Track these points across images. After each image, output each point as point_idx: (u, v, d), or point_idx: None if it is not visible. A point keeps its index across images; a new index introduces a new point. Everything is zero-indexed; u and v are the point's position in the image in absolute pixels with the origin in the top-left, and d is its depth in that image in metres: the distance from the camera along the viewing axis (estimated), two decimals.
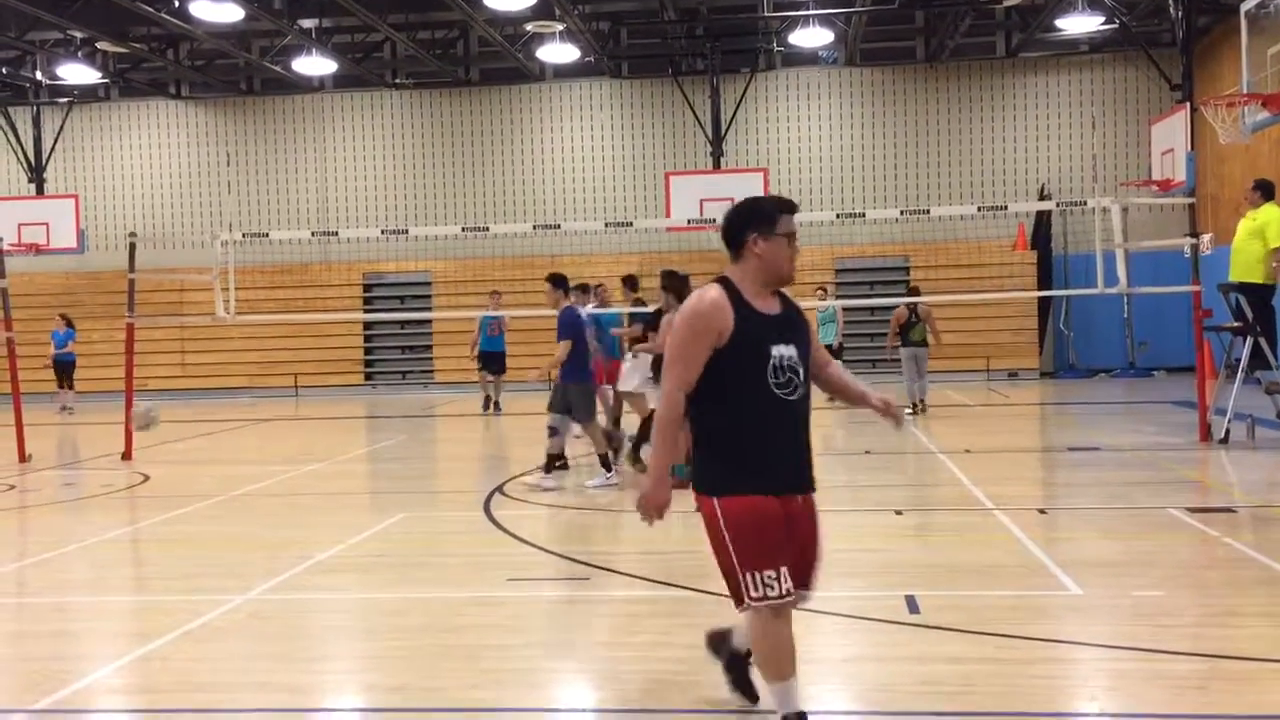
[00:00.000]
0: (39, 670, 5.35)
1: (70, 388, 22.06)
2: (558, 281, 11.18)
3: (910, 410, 16.68)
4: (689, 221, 18.15)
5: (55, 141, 27.31)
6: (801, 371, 3.91)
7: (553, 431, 10.70)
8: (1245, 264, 12.53)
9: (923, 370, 17.16)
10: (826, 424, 16.74)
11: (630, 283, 14.50)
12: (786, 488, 3.93)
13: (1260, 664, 4.98)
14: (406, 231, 18.99)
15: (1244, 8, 13.28)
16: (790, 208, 4.00)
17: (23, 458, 13.71)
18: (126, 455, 13.70)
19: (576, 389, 10.75)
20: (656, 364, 12.46)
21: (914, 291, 18.49)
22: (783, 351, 3.87)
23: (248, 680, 5.17)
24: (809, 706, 4.14)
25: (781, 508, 3.90)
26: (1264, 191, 12.87)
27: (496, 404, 19.40)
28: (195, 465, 13.71)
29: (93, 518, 9.79)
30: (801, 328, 4.00)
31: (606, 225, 16.76)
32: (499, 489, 10.54)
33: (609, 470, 10.63)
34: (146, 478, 12.15)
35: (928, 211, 17.59)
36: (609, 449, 10.93)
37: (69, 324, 22.68)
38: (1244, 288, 12.55)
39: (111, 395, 19.52)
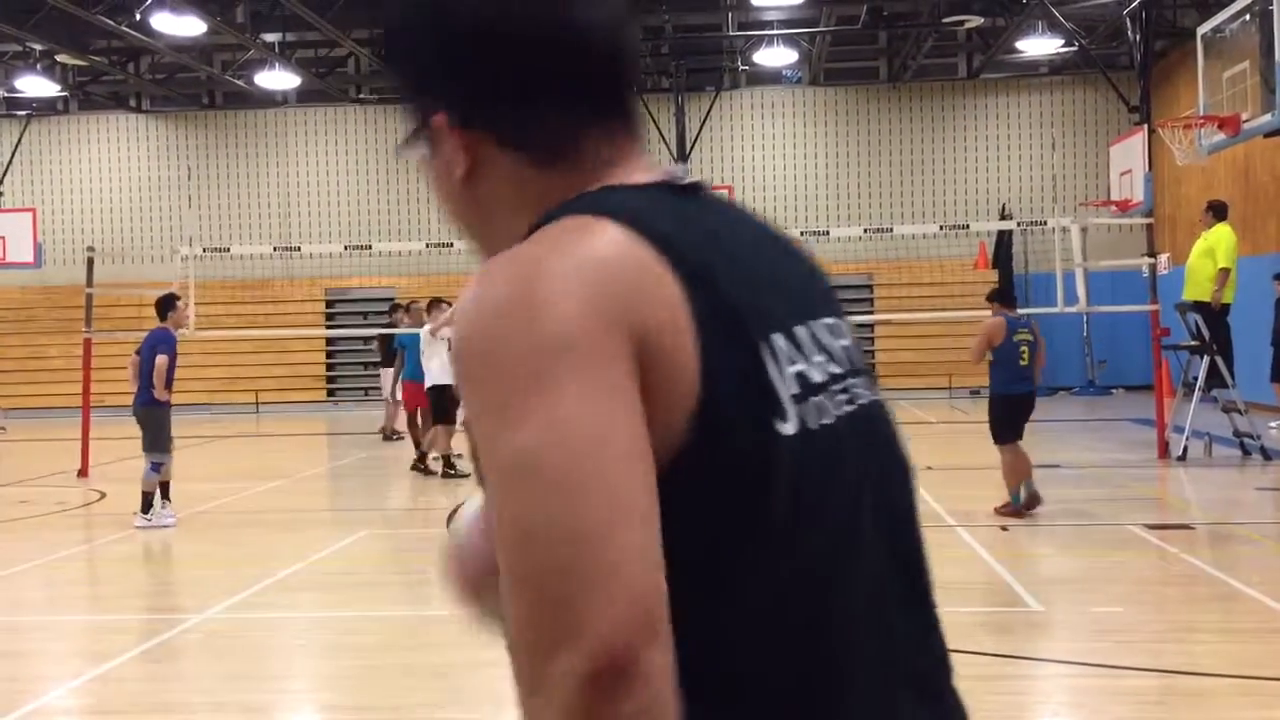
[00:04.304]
0: None
1: None
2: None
3: None
4: None
5: (13, 155, 26.96)
6: None
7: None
8: (1198, 283, 12.78)
9: None
10: None
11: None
12: None
13: (1217, 679, 5.02)
14: (370, 247, 18.88)
15: (1200, 31, 13.50)
16: None
17: None
18: (82, 472, 13.51)
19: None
20: None
21: None
22: None
23: (205, 700, 5.10)
24: None
25: None
26: (1216, 212, 13.13)
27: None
28: None
29: (47, 536, 9.63)
30: None
31: None
32: (462, 505, 10.46)
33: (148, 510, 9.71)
34: (103, 495, 11.98)
35: (890, 230, 17.72)
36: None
37: None
38: (1199, 307, 12.74)
39: (68, 411, 19.24)
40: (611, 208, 1.07)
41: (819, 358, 1.12)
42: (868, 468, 1.14)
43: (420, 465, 12.81)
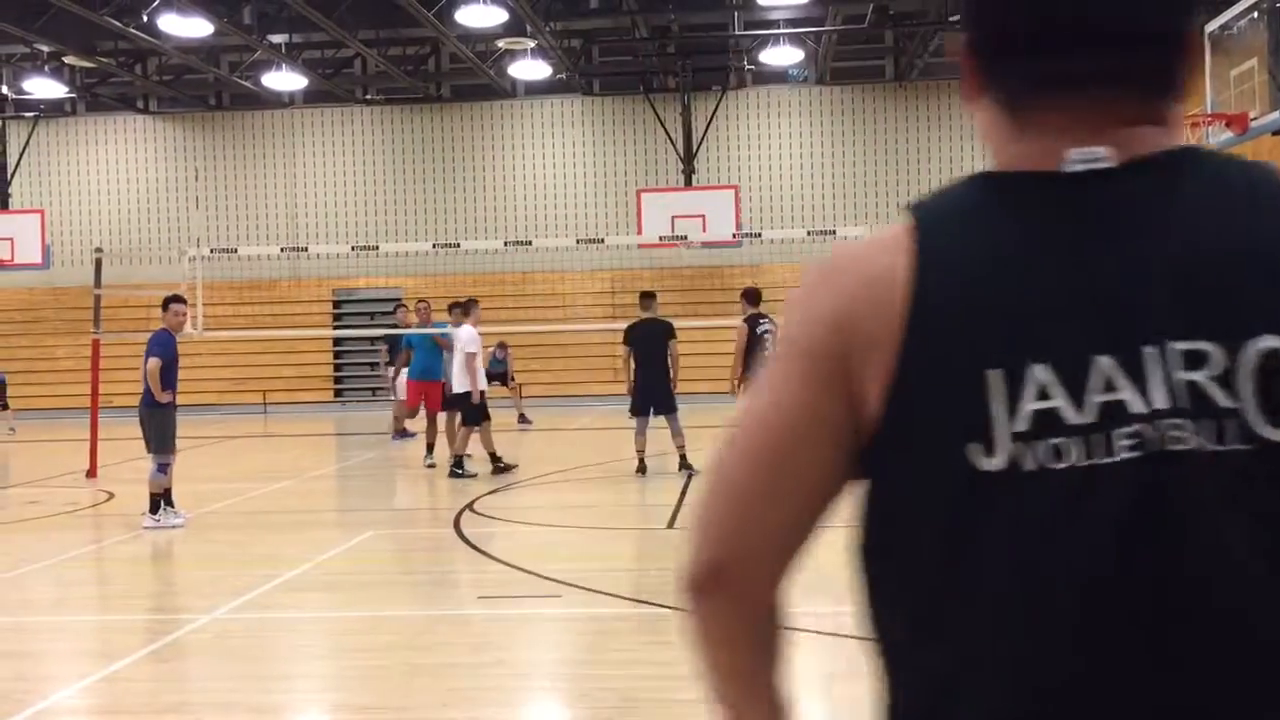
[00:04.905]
0: (0, 692, 5.26)
1: (5, 407, 21.35)
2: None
3: None
4: (660, 238, 18.17)
5: (21, 156, 27.04)
6: None
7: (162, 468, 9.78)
8: None
9: None
10: None
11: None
12: None
13: None
14: (377, 248, 18.90)
15: (1208, 29, 13.47)
16: None
17: None
18: (91, 473, 13.53)
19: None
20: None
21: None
22: None
23: (213, 700, 5.11)
24: None
25: None
26: None
27: (522, 416, 19.41)
28: None
29: (56, 536, 9.65)
30: None
31: (578, 242, 16.74)
32: (469, 506, 10.48)
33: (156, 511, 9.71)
34: (111, 495, 12.00)
35: None
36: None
37: None
38: None
39: (76, 412, 19.30)
40: (933, 206, 1.13)
41: (1107, 394, 1.02)
42: (1115, 527, 1.02)
43: (499, 464, 12.76)
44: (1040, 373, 1.03)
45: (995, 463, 1.03)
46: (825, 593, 6.84)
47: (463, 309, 12.99)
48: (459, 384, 12.61)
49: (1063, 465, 1.02)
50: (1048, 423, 1.02)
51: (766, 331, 12.01)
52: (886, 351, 1.06)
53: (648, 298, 12.60)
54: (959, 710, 1.06)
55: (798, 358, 1.12)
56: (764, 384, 1.15)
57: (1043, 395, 1.02)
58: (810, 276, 1.15)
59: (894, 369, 1.06)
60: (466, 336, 12.57)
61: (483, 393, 12.60)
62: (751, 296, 12.30)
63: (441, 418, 13.84)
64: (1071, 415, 1.02)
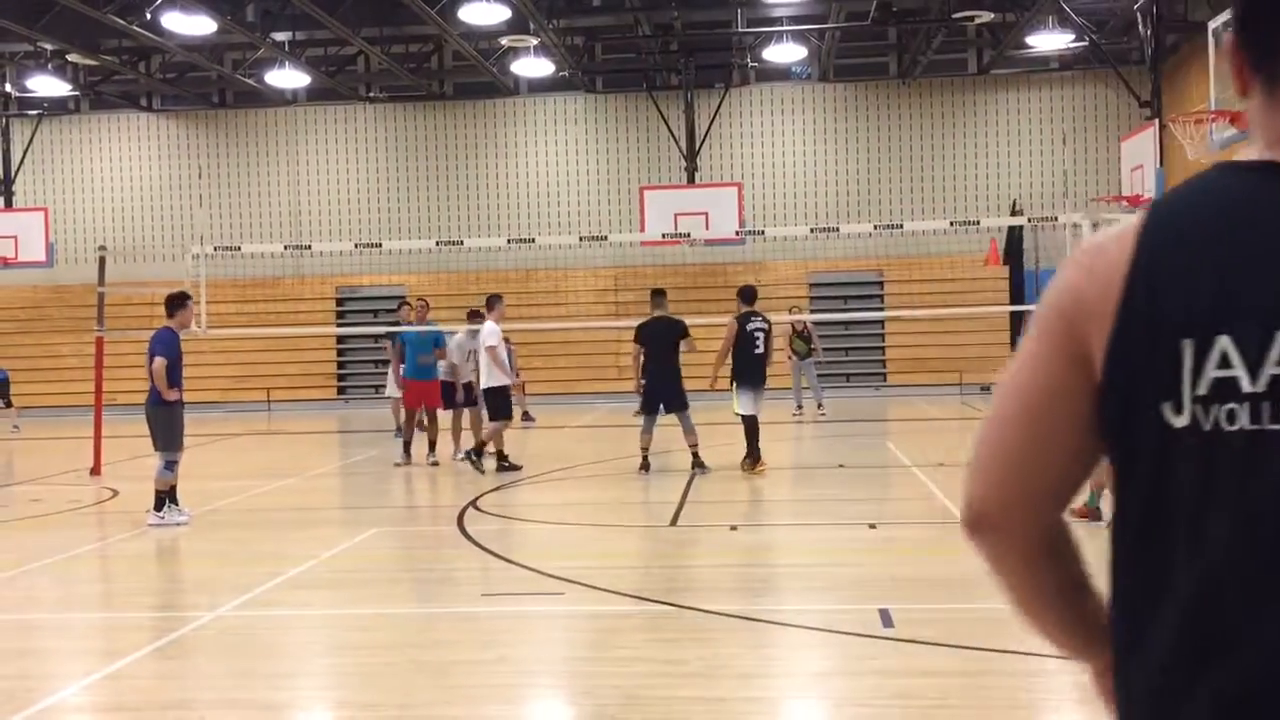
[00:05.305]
0: (4, 689, 5.27)
1: (9, 405, 21.32)
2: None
3: (798, 410, 19.01)
4: (663, 236, 18.17)
5: (24, 154, 27.06)
6: None
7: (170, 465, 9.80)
8: None
9: (810, 376, 19.03)
10: (799, 437, 16.80)
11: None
12: None
13: None
14: (380, 245, 18.92)
15: (1211, 26, 13.45)
16: None
17: None
18: (95, 471, 13.56)
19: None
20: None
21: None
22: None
23: (218, 698, 5.12)
24: None
25: None
26: None
27: (529, 414, 19.40)
28: None
29: (60, 534, 9.66)
30: None
31: (581, 239, 16.72)
32: (473, 503, 10.49)
33: (161, 508, 9.73)
34: (115, 493, 12.02)
35: (900, 226, 17.69)
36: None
37: None
38: None
39: (80, 410, 19.32)
40: (1166, 200, 1.28)
41: None
42: (1276, 489, 1.16)
43: (505, 463, 12.82)
44: (1224, 343, 1.18)
45: (1181, 420, 1.20)
46: (827, 593, 6.86)
47: (487, 305, 13.09)
48: (487, 379, 12.69)
49: (1234, 428, 1.17)
50: (1225, 389, 1.17)
51: (758, 330, 12.03)
52: (1106, 326, 1.25)
53: (659, 295, 12.66)
54: (1151, 632, 1.24)
55: (1045, 329, 1.32)
56: (1019, 351, 1.35)
57: (1224, 364, 1.18)
58: (1075, 254, 1.34)
59: (1110, 340, 1.25)
60: (487, 330, 12.67)
61: (497, 388, 12.68)
62: (746, 295, 12.35)
63: (445, 416, 13.85)
64: (1247, 384, 1.17)
